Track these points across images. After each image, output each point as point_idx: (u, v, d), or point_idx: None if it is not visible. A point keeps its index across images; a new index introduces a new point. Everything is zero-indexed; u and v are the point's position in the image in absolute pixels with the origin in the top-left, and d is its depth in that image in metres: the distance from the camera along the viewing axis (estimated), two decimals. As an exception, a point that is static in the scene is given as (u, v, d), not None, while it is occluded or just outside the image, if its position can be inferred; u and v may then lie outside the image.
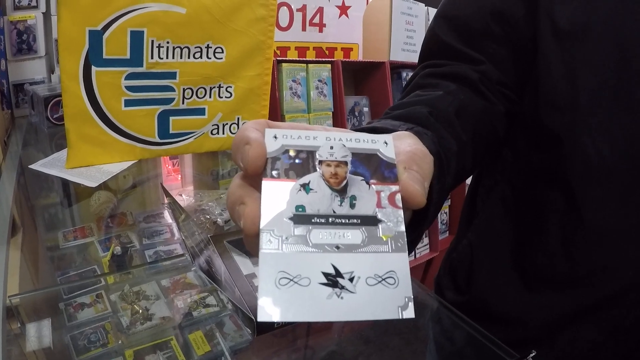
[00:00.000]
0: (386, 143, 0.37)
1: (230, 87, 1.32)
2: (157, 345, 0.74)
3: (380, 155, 0.36)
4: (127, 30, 1.12)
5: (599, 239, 0.66)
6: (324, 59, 2.27)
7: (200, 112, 1.31)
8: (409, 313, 0.31)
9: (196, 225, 0.90)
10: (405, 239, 0.33)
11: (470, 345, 0.78)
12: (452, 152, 0.55)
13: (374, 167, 0.36)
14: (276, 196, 0.33)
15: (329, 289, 0.31)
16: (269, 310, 0.29)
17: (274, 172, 0.34)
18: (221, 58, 1.27)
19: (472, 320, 0.77)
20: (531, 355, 0.65)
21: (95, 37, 1.09)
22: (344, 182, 0.35)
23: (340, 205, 0.34)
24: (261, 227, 0.32)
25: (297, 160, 0.35)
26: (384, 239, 0.33)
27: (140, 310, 0.79)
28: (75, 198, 1.20)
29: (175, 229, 1.07)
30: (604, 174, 0.63)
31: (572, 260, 0.68)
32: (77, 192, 1.20)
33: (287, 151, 0.35)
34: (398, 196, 0.35)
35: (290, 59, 2.20)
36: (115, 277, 0.88)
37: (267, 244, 0.32)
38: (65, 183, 1.16)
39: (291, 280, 0.31)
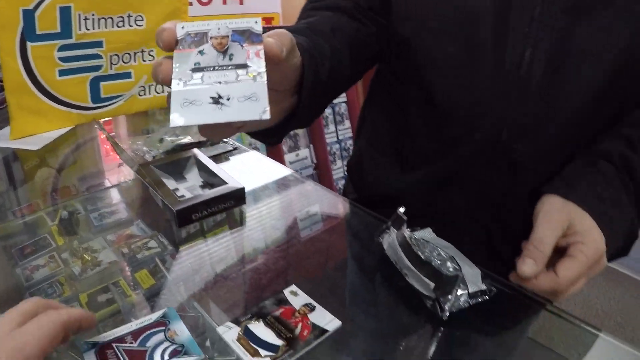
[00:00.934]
0: (257, 22, 0.54)
1: (152, 50, 1.45)
2: (107, 287, 0.80)
3: (252, 29, 0.54)
4: (56, 7, 1.24)
5: (450, 117, 0.83)
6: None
7: (127, 75, 1.44)
8: (266, 116, 0.47)
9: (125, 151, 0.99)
10: (265, 77, 0.50)
11: (363, 224, 0.98)
12: (324, 53, 0.68)
13: (247, 36, 0.53)
14: (182, 59, 0.51)
15: (215, 105, 0.48)
16: (177, 121, 0.47)
17: (181, 46, 0.52)
18: (142, 25, 1.40)
19: (366, 208, 0.96)
20: (399, 211, 0.78)
21: (28, 15, 1.21)
22: (226, 47, 0.52)
23: (223, 59, 0.51)
24: (172, 77, 0.50)
25: (196, 38, 0.53)
26: (250, 77, 0.50)
27: (90, 259, 0.86)
28: (20, 181, 1.25)
29: (117, 192, 1.14)
30: (449, 66, 0.81)
31: (433, 139, 0.87)
32: (24, 175, 1.26)
33: (189, 34, 0.53)
34: (261, 51, 0.51)
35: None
36: (65, 238, 0.94)
37: (176, 86, 0.49)
38: (9, 169, 1.24)
39: (190, 103, 0.48)
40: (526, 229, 0.74)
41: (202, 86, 0.50)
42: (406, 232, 0.78)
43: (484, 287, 0.74)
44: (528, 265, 0.67)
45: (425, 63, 0.83)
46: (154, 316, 0.66)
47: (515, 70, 0.75)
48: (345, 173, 1.10)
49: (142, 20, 1.38)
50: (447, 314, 0.71)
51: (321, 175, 2.91)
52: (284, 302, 0.72)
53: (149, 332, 0.63)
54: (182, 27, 0.54)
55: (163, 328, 0.64)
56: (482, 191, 0.86)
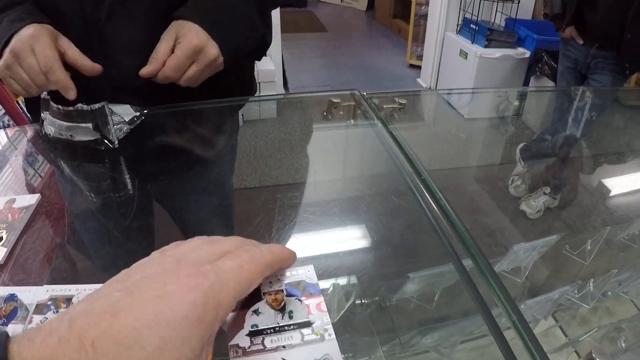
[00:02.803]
0: (309, 270, 0.51)
1: None
2: None
3: (305, 280, 0.50)
4: None
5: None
6: None
7: None
8: None
9: None
10: (333, 332, 0.46)
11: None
12: None
13: (302, 288, 0.49)
14: (238, 321, 0.46)
15: None
16: None
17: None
18: None
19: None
20: (42, 95, 0.83)
21: None
22: (283, 303, 0.48)
23: (282, 318, 0.47)
24: (230, 343, 0.44)
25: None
26: (317, 335, 0.46)
27: None
28: None
29: None
30: None
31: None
32: None
33: None
34: (322, 303, 0.48)
35: None
36: None
37: (234, 354, 0.44)
38: None
39: None
40: None
41: (265, 351, 0.44)
42: (54, 105, 0.83)
43: (136, 113, 0.90)
44: (145, 69, 0.83)
45: None
46: None
47: None
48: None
49: None
50: (116, 141, 0.85)
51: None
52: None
53: None
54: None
55: None
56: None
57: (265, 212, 0.83)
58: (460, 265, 0.63)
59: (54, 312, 0.53)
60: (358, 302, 0.66)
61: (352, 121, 0.98)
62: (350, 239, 0.81)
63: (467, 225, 0.67)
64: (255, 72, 3.44)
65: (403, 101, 0.93)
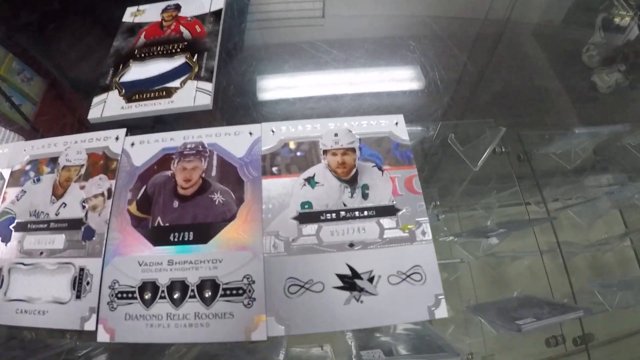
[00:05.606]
0: (397, 123, 0.30)
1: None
2: None
3: (391, 137, 0.30)
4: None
5: None
6: None
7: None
8: (442, 312, 0.25)
9: None
10: (429, 227, 0.27)
11: None
12: None
13: (385, 150, 0.29)
14: (278, 194, 0.27)
15: (347, 293, 0.26)
16: (280, 323, 0.26)
17: (274, 169, 0.28)
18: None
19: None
20: None
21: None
22: (354, 171, 0.29)
23: (352, 197, 0.28)
24: (266, 230, 0.26)
25: (298, 153, 0.28)
26: (405, 230, 0.27)
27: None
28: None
29: None
30: None
31: None
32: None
33: (286, 144, 0.29)
34: (416, 179, 0.28)
35: None
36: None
37: (272, 249, 0.26)
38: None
39: (302, 287, 0.26)
40: None
41: (320, 251, 0.29)
42: None
43: None
44: None
45: None
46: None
47: None
48: None
49: None
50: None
51: None
52: None
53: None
54: (272, 132, 0.33)
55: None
56: None
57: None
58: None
59: (33, 182, 0.40)
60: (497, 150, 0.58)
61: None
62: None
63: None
64: None
65: None
